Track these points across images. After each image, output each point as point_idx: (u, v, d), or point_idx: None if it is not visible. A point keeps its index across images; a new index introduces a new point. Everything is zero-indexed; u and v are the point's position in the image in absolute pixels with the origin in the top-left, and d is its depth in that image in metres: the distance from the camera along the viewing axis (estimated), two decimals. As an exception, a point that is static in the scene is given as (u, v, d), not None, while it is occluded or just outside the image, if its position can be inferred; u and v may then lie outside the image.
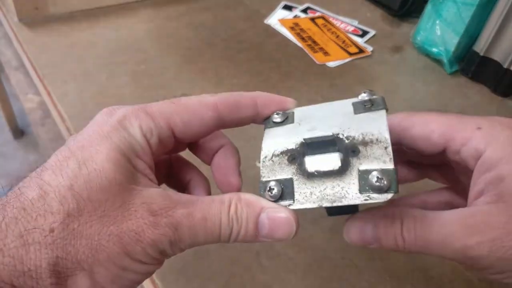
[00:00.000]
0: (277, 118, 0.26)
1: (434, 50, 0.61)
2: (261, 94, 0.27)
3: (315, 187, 0.23)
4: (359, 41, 0.65)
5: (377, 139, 0.22)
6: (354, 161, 0.22)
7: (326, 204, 0.22)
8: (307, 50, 0.62)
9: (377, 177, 0.21)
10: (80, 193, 0.21)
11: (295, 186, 0.23)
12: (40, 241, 0.20)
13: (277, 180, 0.24)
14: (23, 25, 0.60)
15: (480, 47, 0.57)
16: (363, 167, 0.22)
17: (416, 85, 0.58)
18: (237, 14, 0.68)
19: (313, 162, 0.23)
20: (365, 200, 0.21)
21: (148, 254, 0.22)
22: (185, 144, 0.29)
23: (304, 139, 0.23)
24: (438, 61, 0.61)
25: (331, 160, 0.22)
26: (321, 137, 0.23)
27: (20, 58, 0.61)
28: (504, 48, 0.55)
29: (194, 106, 0.25)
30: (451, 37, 0.59)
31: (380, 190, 0.21)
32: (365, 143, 0.23)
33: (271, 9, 0.70)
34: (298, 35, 0.64)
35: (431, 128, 0.26)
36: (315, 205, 0.22)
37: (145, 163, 0.23)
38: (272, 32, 0.65)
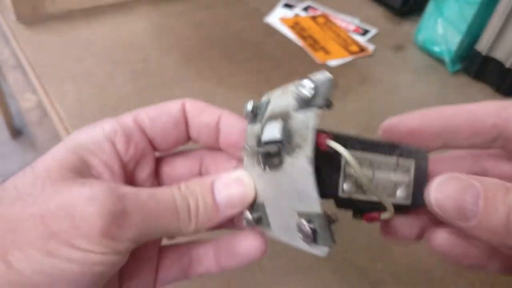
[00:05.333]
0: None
1: (436, 49, 0.60)
2: (227, 116, 0.25)
3: None
4: (361, 40, 0.64)
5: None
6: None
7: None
8: (308, 49, 0.61)
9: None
10: (15, 183, 0.20)
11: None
12: None
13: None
14: (20, 24, 0.60)
15: (482, 46, 0.57)
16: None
17: (418, 84, 0.58)
18: (236, 13, 0.68)
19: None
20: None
21: (84, 236, 0.18)
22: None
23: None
24: (440, 60, 0.61)
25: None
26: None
27: (17, 57, 0.61)
28: (506, 47, 0.55)
29: (160, 104, 0.26)
30: (454, 36, 0.58)
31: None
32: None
33: (271, 8, 0.69)
34: (298, 33, 0.64)
35: (479, 113, 0.23)
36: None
37: (99, 159, 0.23)
38: (272, 31, 0.65)
